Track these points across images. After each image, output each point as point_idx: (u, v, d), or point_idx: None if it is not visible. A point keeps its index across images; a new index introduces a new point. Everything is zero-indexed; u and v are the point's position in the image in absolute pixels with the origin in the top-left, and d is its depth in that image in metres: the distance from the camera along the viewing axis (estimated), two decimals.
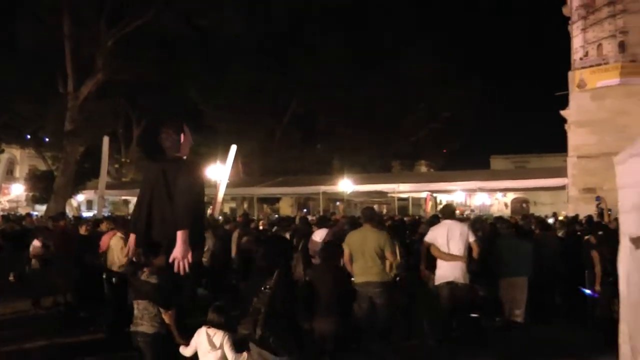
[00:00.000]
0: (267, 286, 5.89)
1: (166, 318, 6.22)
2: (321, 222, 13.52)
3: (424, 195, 42.11)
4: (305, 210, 45.76)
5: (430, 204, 42.06)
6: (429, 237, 10.05)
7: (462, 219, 18.39)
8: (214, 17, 38.57)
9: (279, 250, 6.42)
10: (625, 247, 3.84)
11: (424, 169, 67.98)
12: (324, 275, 7.38)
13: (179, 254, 5.66)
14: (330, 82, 45.63)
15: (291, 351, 5.88)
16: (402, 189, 37.72)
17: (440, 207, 44.71)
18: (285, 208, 55.10)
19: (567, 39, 32.66)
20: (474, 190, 41.99)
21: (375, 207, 40.22)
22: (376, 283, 9.05)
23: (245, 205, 48.02)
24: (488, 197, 56.14)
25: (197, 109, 46.00)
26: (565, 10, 34.00)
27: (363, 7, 45.62)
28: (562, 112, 32.53)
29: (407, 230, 14.91)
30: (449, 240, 9.73)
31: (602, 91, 30.07)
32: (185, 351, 6.19)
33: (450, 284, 9.67)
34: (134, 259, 6.26)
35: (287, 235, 14.13)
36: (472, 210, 51.30)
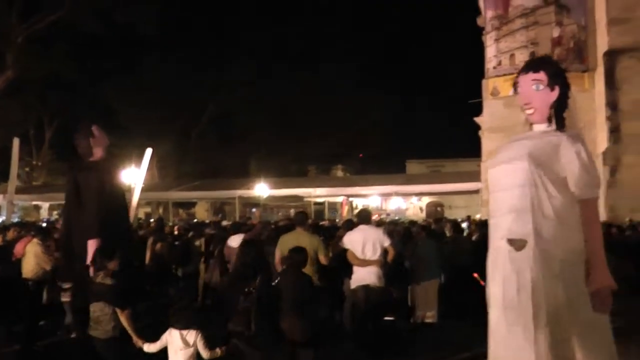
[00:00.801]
0: (252, 288, 6.38)
1: (122, 318, 6.32)
2: (236, 228, 13.51)
3: (340, 199, 42.32)
4: (220, 215, 45.41)
5: (346, 208, 42.32)
6: (345, 242, 10.18)
7: (379, 223, 18.61)
8: (129, 14, 38.03)
9: (259, 255, 6.87)
10: (500, 250, 3.92)
11: (340, 173, 68.30)
12: (289, 279, 7.49)
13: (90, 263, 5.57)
14: (247, 83, 45.54)
15: (273, 347, 6.50)
16: (318, 193, 37.82)
17: (356, 211, 45.15)
18: (201, 213, 54.55)
19: (481, 48, 33.30)
20: (389, 195, 42.37)
21: (292, 211, 40.20)
22: None
23: (161, 210, 47.44)
24: (403, 201, 56.72)
25: (111, 109, 45.17)
26: (479, 21, 34.66)
27: (281, 8, 45.79)
28: (476, 119, 33.14)
29: (322, 234, 15.00)
30: (364, 245, 9.88)
31: (514, 99, 30.46)
32: (151, 347, 6.30)
33: (365, 287, 9.81)
34: (89, 263, 6.26)
35: (202, 242, 14.07)
36: (387, 214, 51.73)
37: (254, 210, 45.09)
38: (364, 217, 10.92)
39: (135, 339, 6.36)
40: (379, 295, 9.91)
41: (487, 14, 32.37)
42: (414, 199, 60.83)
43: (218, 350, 6.17)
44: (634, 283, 15.49)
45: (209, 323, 6.75)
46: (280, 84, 46.67)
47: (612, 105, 25.40)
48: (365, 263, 9.81)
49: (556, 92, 4.06)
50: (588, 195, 3.88)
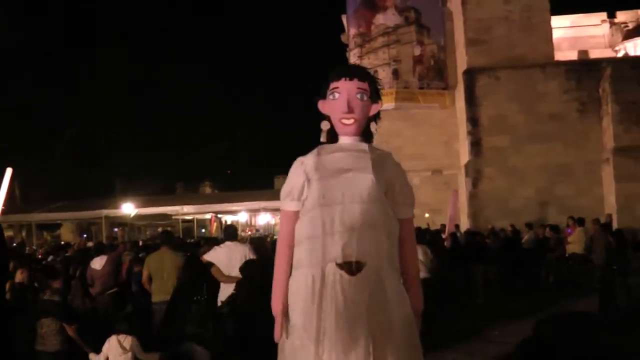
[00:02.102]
0: (199, 296, 7.54)
1: (70, 332, 6.91)
2: (99, 249, 13.30)
3: (208, 216, 42.12)
4: (84, 235, 44.23)
5: (215, 225, 42.11)
6: (210, 257, 10.11)
7: (251, 240, 18.65)
8: None
9: (203, 270, 8.03)
10: (329, 275, 3.47)
11: (208, 189, 68.00)
12: (244, 291, 8.27)
13: None
14: (111, 102, 44.85)
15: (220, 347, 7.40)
16: (186, 211, 37.51)
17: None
18: (67, 234, 52.88)
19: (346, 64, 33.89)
20: (258, 210, 42.49)
21: (160, 229, 39.64)
22: None
23: (24, 233, 45.74)
24: (272, 216, 56.96)
25: None
26: (343, 38, 35.45)
27: (141, 26, 45.40)
28: None
29: (188, 251, 14.89)
30: (229, 261, 9.82)
31: (380, 113, 31.53)
32: (96, 358, 6.86)
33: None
34: (35, 284, 6.62)
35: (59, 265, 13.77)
36: (257, 230, 51.79)
37: (115, 230, 44.12)
38: (230, 233, 10.93)
39: (86, 349, 6.95)
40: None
41: (351, 32, 33.11)
42: None
43: (155, 355, 6.83)
44: (497, 288, 16.22)
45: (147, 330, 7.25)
46: (145, 102, 46.20)
47: (473, 120, 26.61)
48: (230, 280, 9.75)
49: (377, 107, 3.90)
50: (409, 214, 3.81)
